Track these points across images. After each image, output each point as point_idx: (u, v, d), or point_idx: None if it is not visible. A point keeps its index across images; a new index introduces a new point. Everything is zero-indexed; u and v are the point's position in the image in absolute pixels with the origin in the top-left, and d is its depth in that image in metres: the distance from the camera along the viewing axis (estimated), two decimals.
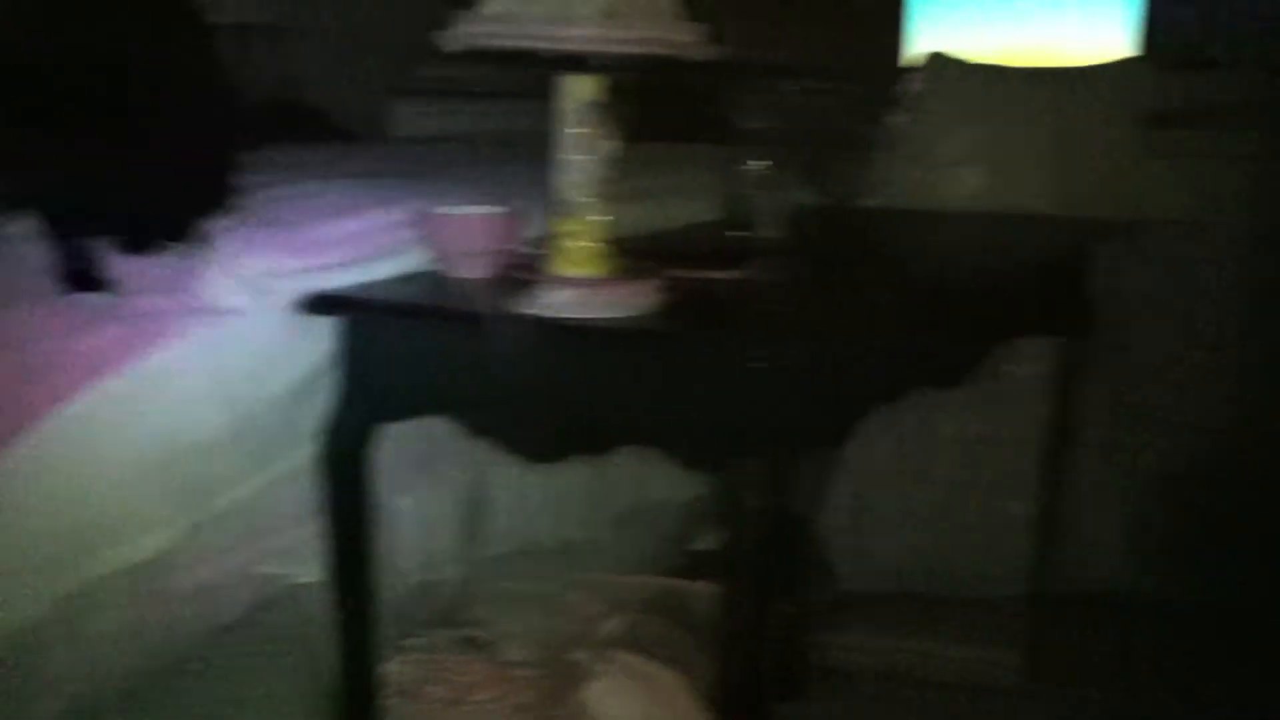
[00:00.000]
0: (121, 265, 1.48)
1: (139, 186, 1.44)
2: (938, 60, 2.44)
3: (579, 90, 1.28)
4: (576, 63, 1.24)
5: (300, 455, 1.47)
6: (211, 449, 1.40)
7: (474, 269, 1.45)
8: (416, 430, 1.60)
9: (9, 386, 1.35)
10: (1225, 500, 2.75)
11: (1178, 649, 2.39)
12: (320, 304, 1.43)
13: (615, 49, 1.21)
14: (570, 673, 1.77)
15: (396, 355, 1.43)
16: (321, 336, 1.46)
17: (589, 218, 1.31)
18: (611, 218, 1.33)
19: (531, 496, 1.94)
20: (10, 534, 1.31)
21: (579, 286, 1.29)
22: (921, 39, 3.46)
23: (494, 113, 3.78)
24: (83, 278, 1.47)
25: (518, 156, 2.19)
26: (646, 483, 2.17)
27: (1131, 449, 2.68)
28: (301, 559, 1.56)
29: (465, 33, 1.24)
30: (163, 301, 1.45)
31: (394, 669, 1.70)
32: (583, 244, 1.31)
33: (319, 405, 1.45)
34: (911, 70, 2.47)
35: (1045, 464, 2.27)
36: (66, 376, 1.35)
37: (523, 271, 1.33)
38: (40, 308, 1.44)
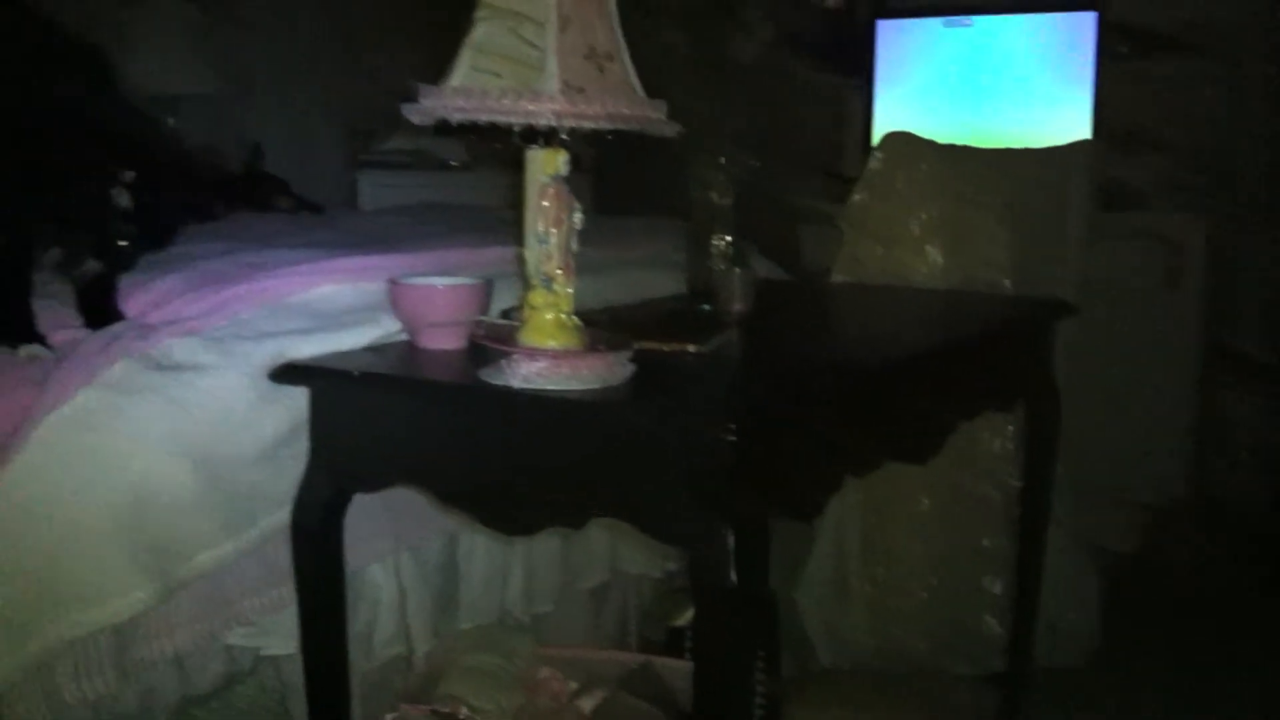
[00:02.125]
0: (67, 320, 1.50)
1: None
2: (894, 139, 2.48)
3: (545, 163, 1.30)
4: (542, 136, 1.25)
5: (271, 522, 1.46)
6: (180, 510, 1.39)
7: (443, 339, 1.45)
8: (388, 500, 1.59)
9: None
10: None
11: None
12: (289, 372, 1.43)
13: (579, 123, 1.23)
14: None
15: (367, 425, 1.42)
16: (291, 401, 1.46)
17: (557, 289, 1.31)
18: (578, 290, 1.33)
19: (504, 569, 1.93)
20: None
21: (548, 358, 1.29)
22: (883, 120, 3.53)
23: (462, 184, 3.81)
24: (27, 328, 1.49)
25: (486, 228, 2.21)
26: (620, 556, 2.16)
27: (1095, 524, 2.71)
28: (273, 630, 1.54)
29: (431, 106, 1.26)
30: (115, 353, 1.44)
31: None
32: (551, 315, 1.31)
33: (291, 471, 1.44)
34: (870, 148, 2.51)
35: (1013, 539, 2.28)
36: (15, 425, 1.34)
37: (492, 342, 1.33)
38: None
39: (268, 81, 3.97)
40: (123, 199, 1.60)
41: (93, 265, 1.59)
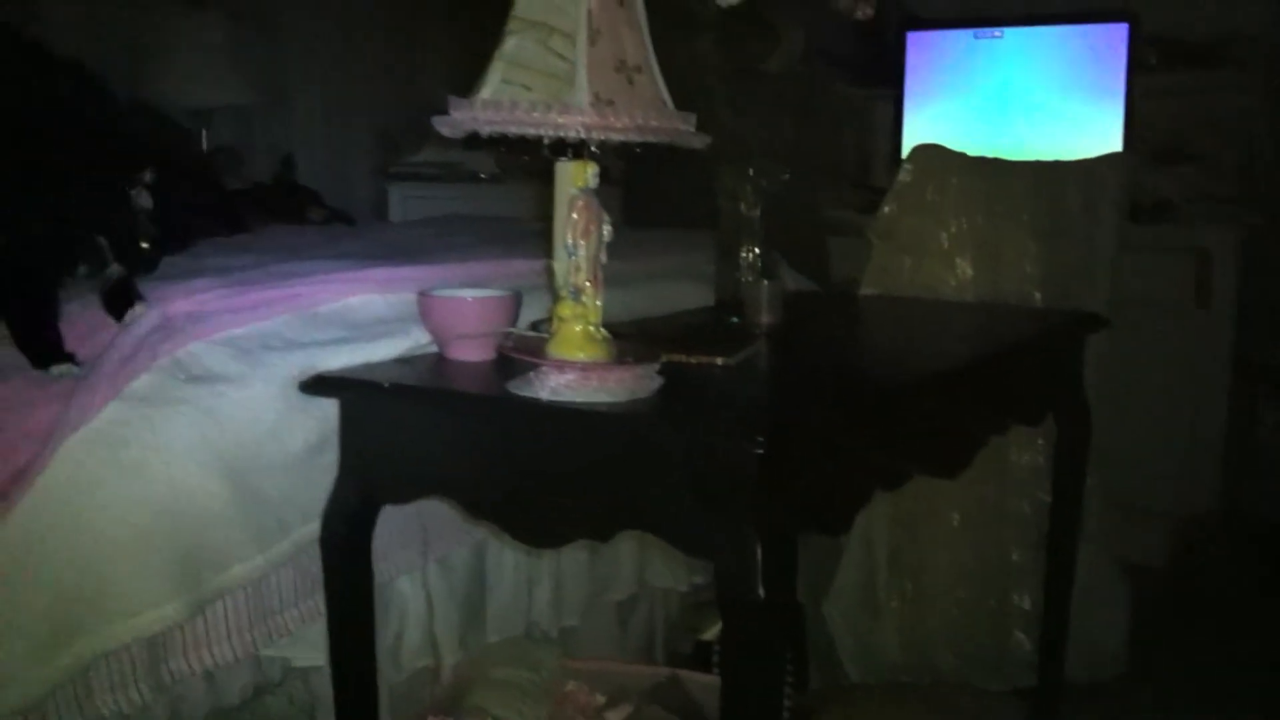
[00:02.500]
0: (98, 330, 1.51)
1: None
2: (924, 151, 2.47)
3: (574, 176, 1.30)
4: (571, 148, 1.25)
5: (302, 533, 1.47)
6: (211, 522, 1.39)
7: (472, 351, 1.46)
8: (417, 511, 1.60)
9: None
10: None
11: None
12: (319, 384, 1.44)
13: (608, 135, 1.23)
14: None
15: (397, 436, 1.43)
16: (321, 411, 1.47)
17: (585, 301, 1.31)
18: (607, 302, 1.34)
19: (532, 581, 1.93)
20: (9, 608, 1.30)
21: (576, 370, 1.29)
22: (912, 132, 3.52)
23: (492, 196, 3.83)
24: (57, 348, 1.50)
25: (515, 239, 2.21)
26: (647, 569, 2.16)
27: (1125, 538, 2.69)
28: (303, 640, 1.54)
29: (461, 118, 1.26)
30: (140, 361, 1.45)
31: None
32: (579, 327, 1.32)
33: (320, 481, 1.45)
34: (900, 160, 2.50)
35: (1043, 554, 2.26)
36: (44, 442, 1.35)
37: (521, 354, 1.33)
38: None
39: (300, 94, 4.00)
40: (143, 199, 1.60)
41: (115, 269, 1.59)
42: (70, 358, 1.50)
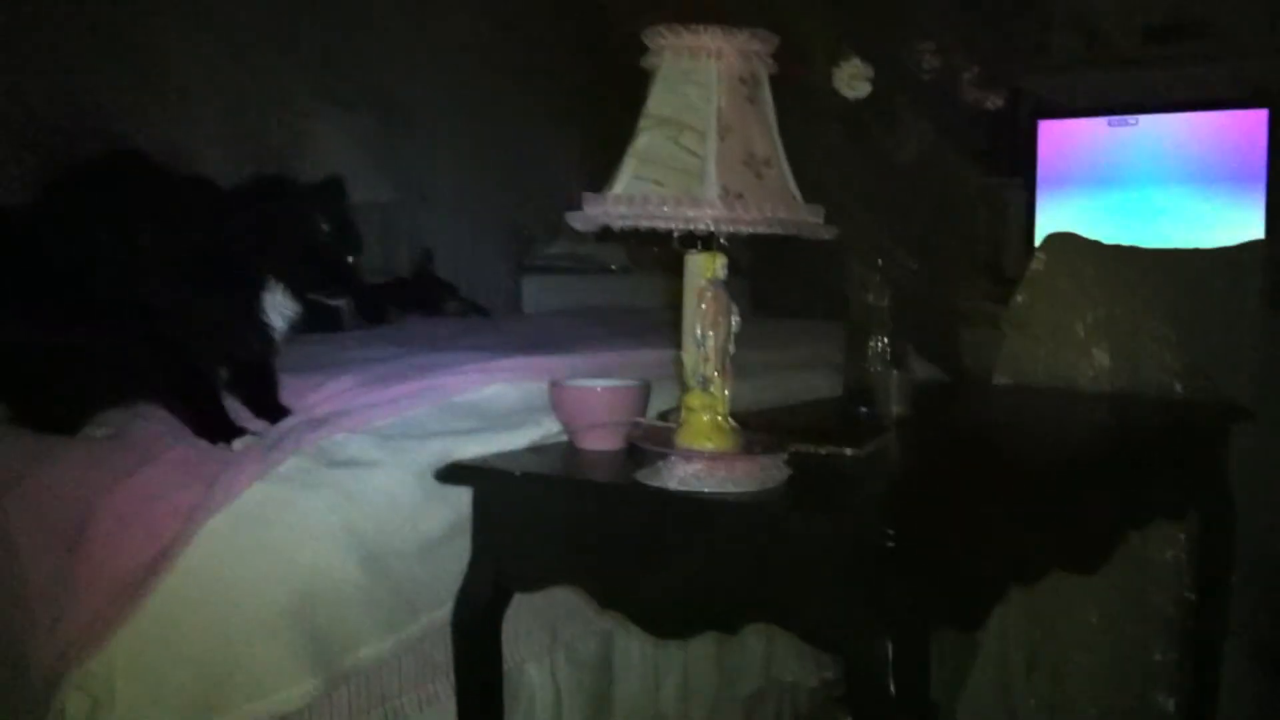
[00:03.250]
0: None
1: None
2: (1057, 239, 2.44)
3: (703, 267, 1.32)
4: (700, 240, 1.28)
5: (432, 618, 1.49)
6: (347, 603, 1.42)
7: (602, 440, 1.48)
8: (545, 597, 1.61)
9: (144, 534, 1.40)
10: None
11: None
12: (454, 472, 1.47)
13: (737, 228, 1.25)
14: None
15: (527, 524, 1.45)
16: (455, 498, 1.49)
17: (714, 391, 1.32)
18: (735, 392, 1.34)
19: (659, 671, 1.92)
20: (152, 683, 1.34)
21: (704, 459, 1.30)
22: (1045, 220, 3.48)
23: (622, 287, 3.88)
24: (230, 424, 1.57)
25: (644, 330, 2.24)
26: (776, 663, 2.13)
27: (1274, 634, 2.57)
28: None
29: (595, 213, 1.30)
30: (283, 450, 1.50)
31: None
32: (708, 417, 1.33)
33: (452, 568, 1.47)
34: (1032, 249, 2.47)
35: (1188, 653, 2.18)
36: (188, 521, 1.40)
37: (649, 443, 1.34)
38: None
39: (438, 189, 4.12)
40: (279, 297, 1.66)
41: (254, 350, 1.66)
42: (244, 430, 1.56)
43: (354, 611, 1.43)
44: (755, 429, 1.38)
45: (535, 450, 1.56)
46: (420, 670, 1.55)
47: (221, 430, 1.56)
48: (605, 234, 1.33)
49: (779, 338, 2.24)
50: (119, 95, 2.67)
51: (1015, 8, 3.78)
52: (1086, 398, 2.26)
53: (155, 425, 1.58)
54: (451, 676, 1.54)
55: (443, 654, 1.53)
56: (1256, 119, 3.19)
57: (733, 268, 1.34)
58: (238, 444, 1.54)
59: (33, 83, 2.50)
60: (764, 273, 3.65)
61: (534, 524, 1.45)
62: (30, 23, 2.56)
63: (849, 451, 1.49)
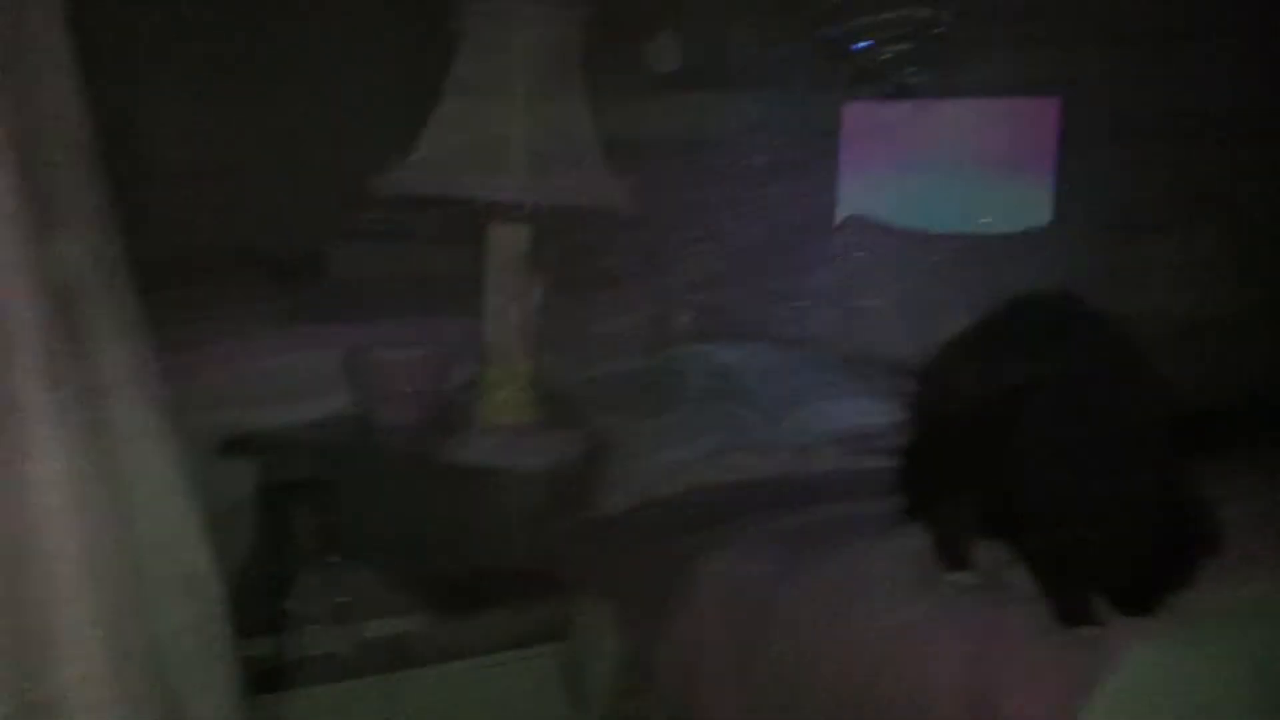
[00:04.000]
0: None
1: None
2: (854, 222, 2.48)
3: (507, 238, 1.30)
4: (505, 211, 1.25)
5: None
6: None
7: (401, 413, 1.43)
8: None
9: None
10: None
11: None
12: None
13: (540, 198, 1.23)
14: None
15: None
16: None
17: (516, 363, 1.30)
18: (556, 364, 1.33)
19: None
20: None
21: (503, 434, 1.28)
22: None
23: (426, 257, 3.80)
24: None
25: (448, 300, 2.19)
26: None
27: None
28: None
29: (398, 178, 1.26)
30: None
31: None
32: (507, 392, 1.31)
33: None
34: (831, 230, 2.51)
35: None
36: None
37: (449, 415, 1.32)
38: None
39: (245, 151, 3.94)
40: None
41: None
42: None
43: None
44: (565, 402, 1.37)
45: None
46: None
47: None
48: (411, 200, 1.30)
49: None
50: None
51: None
52: None
53: None
54: None
55: None
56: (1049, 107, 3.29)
57: (537, 239, 1.32)
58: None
59: None
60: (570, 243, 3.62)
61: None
62: None
63: None
